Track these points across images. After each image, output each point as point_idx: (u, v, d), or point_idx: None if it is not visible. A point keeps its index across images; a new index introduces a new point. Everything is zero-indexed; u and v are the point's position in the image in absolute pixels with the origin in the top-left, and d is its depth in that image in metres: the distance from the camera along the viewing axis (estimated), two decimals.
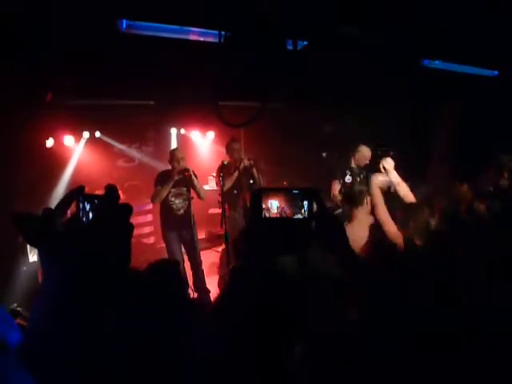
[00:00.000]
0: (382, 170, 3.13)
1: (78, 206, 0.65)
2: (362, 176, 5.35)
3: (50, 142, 6.22)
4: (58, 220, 0.62)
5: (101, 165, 6.91)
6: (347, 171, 5.32)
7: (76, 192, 0.65)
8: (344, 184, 5.26)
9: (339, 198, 5.02)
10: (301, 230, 1.20)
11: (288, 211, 1.20)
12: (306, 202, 1.20)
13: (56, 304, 0.59)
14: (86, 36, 3.01)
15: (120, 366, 0.65)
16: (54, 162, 6.34)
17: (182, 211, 4.91)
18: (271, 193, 1.23)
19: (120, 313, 0.61)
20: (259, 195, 1.22)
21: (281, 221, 1.20)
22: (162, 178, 4.85)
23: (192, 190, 4.96)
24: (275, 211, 1.21)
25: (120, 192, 0.65)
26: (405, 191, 3.10)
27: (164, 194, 4.80)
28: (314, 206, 1.21)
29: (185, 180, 4.83)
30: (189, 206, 4.94)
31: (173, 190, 4.84)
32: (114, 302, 0.60)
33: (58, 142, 6.39)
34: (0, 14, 2.57)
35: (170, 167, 4.90)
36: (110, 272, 0.60)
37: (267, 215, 1.21)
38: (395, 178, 3.11)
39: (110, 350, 0.60)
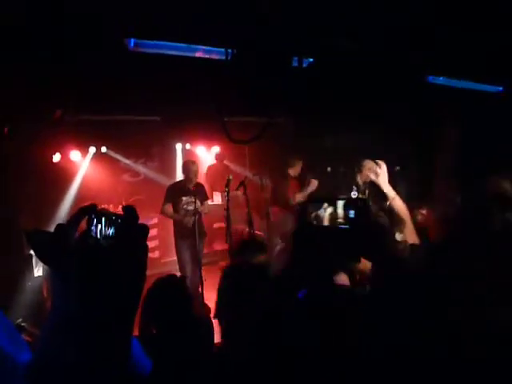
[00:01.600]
0: (372, 175, 2.93)
1: (89, 223, 0.65)
2: (366, 192, 5.34)
3: (56, 157, 6.28)
4: (70, 237, 0.62)
5: (106, 179, 6.95)
6: (353, 187, 5.31)
7: (87, 209, 0.65)
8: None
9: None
10: (347, 239, 1.21)
11: (335, 220, 1.22)
12: (351, 212, 1.22)
13: (66, 323, 0.58)
14: (95, 54, 3.07)
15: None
16: (61, 177, 6.39)
17: (193, 219, 4.97)
18: (320, 201, 1.27)
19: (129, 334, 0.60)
20: (308, 203, 1.28)
21: (328, 229, 1.22)
22: (172, 192, 4.94)
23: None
24: (324, 219, 1.23)
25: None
26: (400, 206, 2.96)
27: (173, 217, 5.00)
28: (360, 215, 1.22)
29: (197, 191, 4.93)
30: (200, 215, 5.02)
31: (184, 198, 4.95)
32: (127, 323, 0.60)
33: (64, 156, 6.45)
34: (12, 28, 2.63)
35: (175, 180, 4.97)
36: (124, 292, 0.60)
37: (314, 223, 1.24)
38: (389, 191, 2.95)
39: (120, 370, 0.59)
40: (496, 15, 3.36)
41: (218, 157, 7.60)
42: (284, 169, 5.58)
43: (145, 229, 0.63)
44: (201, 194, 5.03)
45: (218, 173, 6.44)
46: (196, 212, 4.89)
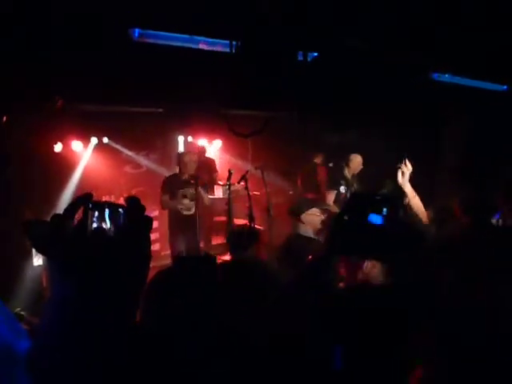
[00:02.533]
0: (400, 175, 2.99)
1: (86, 213, 0.63)
2: (354, 185, 5.35)
3: (58, 147, 6.27)
4: (66, 227, 0.61)
5: (108, 171, 6.93)
6: (342, 181, 5.30)
7: (83, 199, 0.64)
8: (339, 194, 5.23)
9: (335, 208, 5.00)
10: (378, 236, 1.22)
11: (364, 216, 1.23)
12: (385, 209, 1.21)
13: (65, 313, 0.58)
14: (99, 43, 3.04)
15: (129, 376, 0.64)
16: (62, 167, 6.37)
17: (191, 211, 4.90)
18: (361, 197, 1.30)
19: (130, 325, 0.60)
20: (355, 197, 1.30)
21: (361, 225, 1.23)
22: (169, 184, 4.88)
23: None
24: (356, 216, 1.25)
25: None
26: (418, 206, 2.96)
27: (173, 205, 4.89)
28: (393, 213, 1.23)
29: (193, 182, 4.87)
30: (197, 207, 4.93)
31: (181, 190, 4.88)
32: (126, 315, 0.59)
33: (66, 147, 6.43)
34: (14, 17, 2.61)
35: (176, 171, 4.94)
36: (124, 283, 0.59)
37: (345, 218, 1.25)
38: (410, 190, 2.97)
39: (119, 360, 0.59)
40: (500, 15, 3.34)
41: (198, 151, 7.38)
42: (310, 159, 5.66)
43: (149, 220, 0.62)
44: (196, 184, 4.89)
45: (199, 168, 6.32)
46: (194, 203, 4.86)
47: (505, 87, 5.25)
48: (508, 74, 4.69)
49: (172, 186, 4.87)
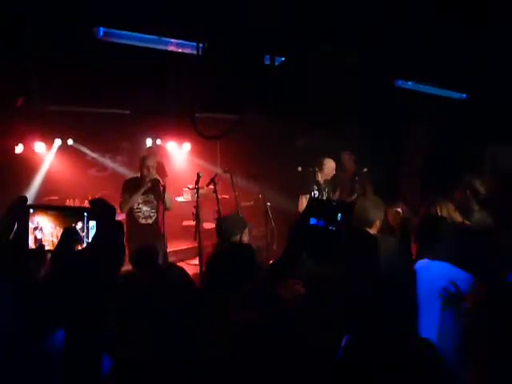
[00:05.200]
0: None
1: (23, 220, 0.60)
2: (326, 190, 5.43)
3: (19, 148, 6.04)
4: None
5: (72, 173, 6.73)
6: (314, 186, 5.35)
7: (18, 204, 0.62)
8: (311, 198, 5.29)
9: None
10: (333, 240, 1.29)
11: (324, 221, 1.31)
12: (340, 215, 1.27)
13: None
14: (62, 41, 2.96)
15: None
16: (23, 169, 6.14)
17: (149, 220, 4.73)
18: (315, 203, 1.41)
19: None
20: (310, 204, 1.39)
21: (319, 229, 1.29)
22: (130, 186, 4.68)
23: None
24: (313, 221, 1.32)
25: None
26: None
27: (133, 202, 4.61)
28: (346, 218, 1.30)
29: (154, 189, 4.68)
30: (157, 215, 4.76)
31: (141, 196, 4.65)
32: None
33: (28, 148, 6.20)
34: None
35: (138, 175, 4.77)
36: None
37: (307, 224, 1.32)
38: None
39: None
40: (464, 24, 3.49)
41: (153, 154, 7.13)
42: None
43: (119, 225, 0.62)
44: (156, 190, 4.68)
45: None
46: (155, 211, 4.69)
47: (464, 95, 5.50)
48: (468, 83, 4.91)
49: (134, 189, 4.60)
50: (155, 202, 4.75)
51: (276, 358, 1.34)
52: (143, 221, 4.71)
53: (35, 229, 1.21)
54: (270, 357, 1.33)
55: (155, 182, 4.64)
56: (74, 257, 0.60)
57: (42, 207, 1.22)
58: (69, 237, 0.61)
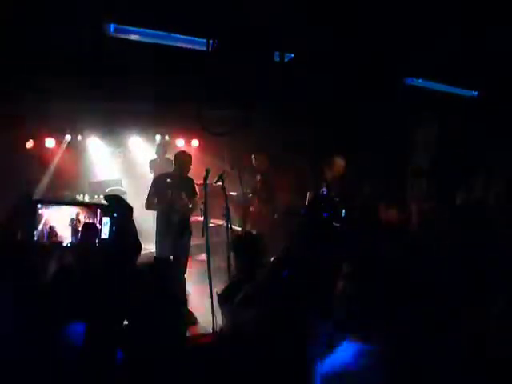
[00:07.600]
0: None
1: (29, 218, 0.61)
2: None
3: (29, 144, 6.11)
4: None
5: (82, 169, 6.81)
6: (323, 183, 5.32)
7: (23, 202, 0.63)
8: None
9: None
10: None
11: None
12: (344, 211, 1.36)
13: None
14: (76, 37, 2.99)
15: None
16: (33, 164, 6.21)
17: (179, 215, 4.78)
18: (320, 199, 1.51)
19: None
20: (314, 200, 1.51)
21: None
22: (158, 185, 4.77)
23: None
24: None
25: None
26: None
27: (158, 208, 4.75)
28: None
29: (186, 186, 4.75)
30: (187, 210, 4.82)
31: (169, 192, 4.71)
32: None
33: (38, 143, 6.27)
34: None
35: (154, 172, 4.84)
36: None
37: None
38: None
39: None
40: (473, 24, 3.46)
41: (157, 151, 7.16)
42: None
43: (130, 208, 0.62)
44: (187, 188, 4.77)
45: (162, 169, 6.14)
46: (180, 208, 4.73)
47: (475, 93, 5.43)
48: (480, 80, 4.85)
49: (160, 188, 4.69)
50: (185, 198, 4.77)
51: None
52: (173, 215, 4.75)
53: (45, 224, 1.23)
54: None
55: (186, 180, 4.74)
56: (97, 249, 0.62)
57: (54, 202, 1.24)
58: (89, 232, 0.62)
